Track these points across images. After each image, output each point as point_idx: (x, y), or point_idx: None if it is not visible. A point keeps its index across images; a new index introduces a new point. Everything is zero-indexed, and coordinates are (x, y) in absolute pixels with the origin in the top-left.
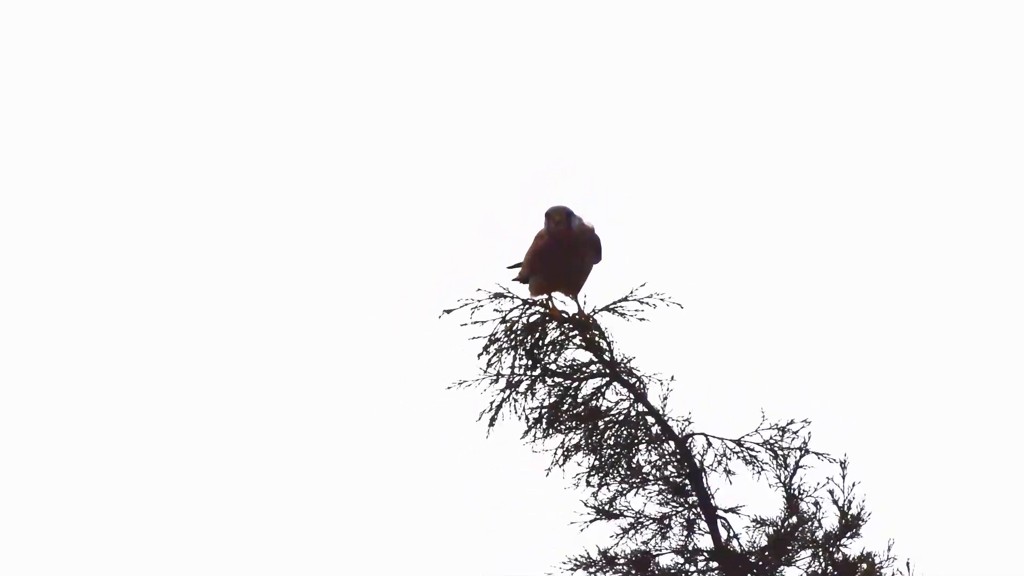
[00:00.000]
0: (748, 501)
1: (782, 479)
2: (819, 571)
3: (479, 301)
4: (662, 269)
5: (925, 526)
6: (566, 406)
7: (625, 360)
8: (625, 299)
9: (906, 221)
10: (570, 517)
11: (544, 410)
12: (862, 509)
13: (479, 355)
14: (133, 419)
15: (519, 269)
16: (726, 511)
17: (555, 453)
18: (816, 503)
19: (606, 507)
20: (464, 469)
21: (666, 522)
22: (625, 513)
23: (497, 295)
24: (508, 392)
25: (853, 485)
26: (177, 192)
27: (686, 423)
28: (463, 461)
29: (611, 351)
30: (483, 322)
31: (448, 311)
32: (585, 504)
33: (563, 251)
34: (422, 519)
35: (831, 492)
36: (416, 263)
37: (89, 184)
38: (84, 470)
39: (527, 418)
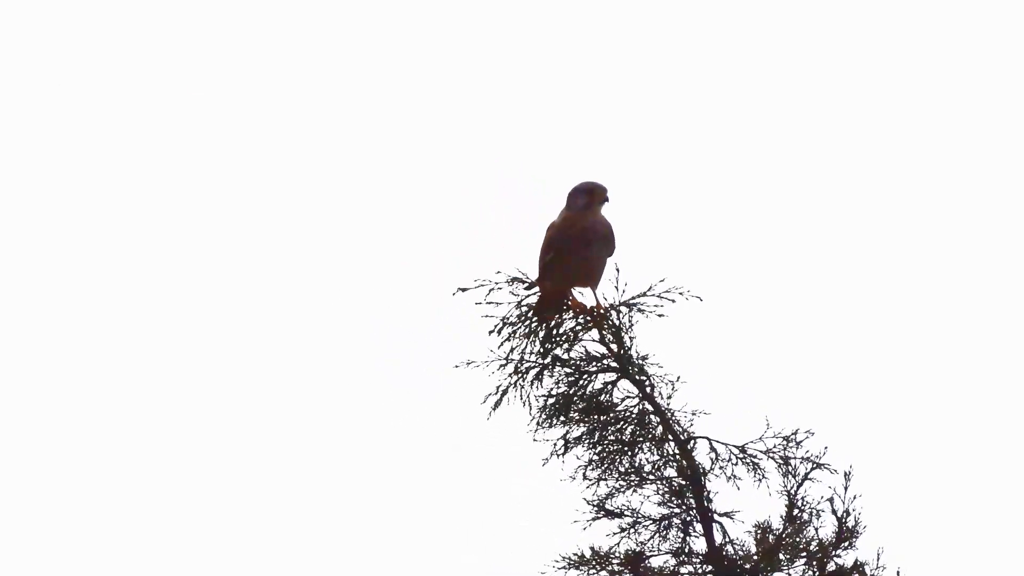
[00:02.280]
0: (752, 508)
1: (788, 488)
2: None
3: (496, 283)
4: (676, 267)
5: (919, 539)
6: (574, 398)
7: (638, 357)
8: (644, 294)
9: (916, 231)
10: (569, 512)
11: (552, 399)
12: (858, 521)
13: (490, 332)
14: (128, 419)
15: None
16: (722, 515)
17: (555, 444)
18: (816, 513)
19: (606, 504)
20: (464, 454)
21: (665, 523)
22: (626, 513)
23: (515, 279)
24: (516, 378)
25: (855, 497)
26: (160, 191)
27: (691, 424)
28: (464, 445)
29: (627, 347)
30: (498, 304)
31: (463, 289)
32: (588, 502)
33: (600, 237)
34: (419, 505)
35: (831, 502)
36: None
37: (89, 184)
38: (83, 470)
39: (530, 405)
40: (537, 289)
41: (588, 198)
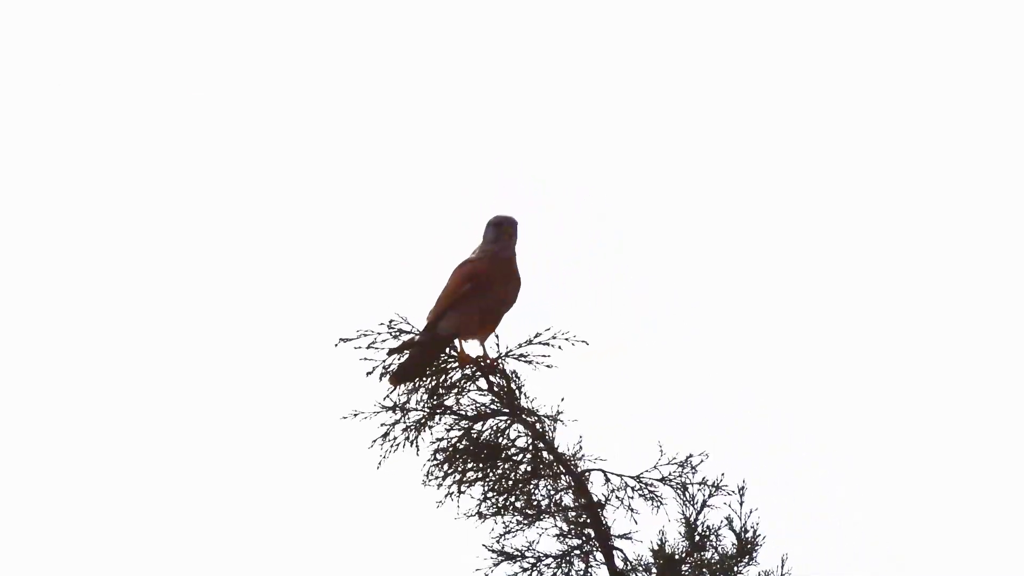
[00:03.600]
0: (651, 533)
1: (687, 516)
2: None
3: (378, 334)
4: (573, 298)
5: (819, 550)
6: (464, 444)
7: (527, 401)
8: (529, 342)
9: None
10: (469, 556)
11: (443, 451)
12: (756, 533)
13: (368, 374)
14: (128, 419)
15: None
16: (619, 537)
17: (449, 487)
18: (715, 532)
19: (506, 548)
20: (357, 502)
21: (566, 559)
22: (526, 554)
23: (400, 330)
24: (406, 429)
25: (751, 512)
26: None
27: (583, 459)
28: (356, 495)
29: (516, 396)
30: (379, 348)
31: (344, 340)
32: (488, 549)
33: (502, 278)
34: (319, 559)
35: (728, 519)
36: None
37: (89, 184)
38: (83, 470)
39: (418, 449)
40: (415, 340)
41: (509, 232)
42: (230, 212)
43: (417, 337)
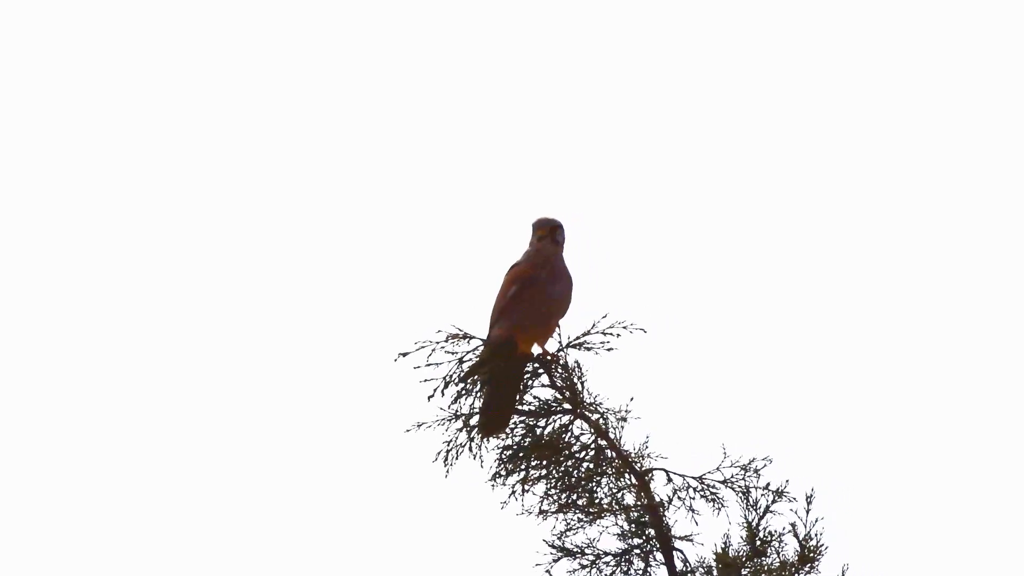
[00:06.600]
0: (712, 537)
1: (749, 520)
2: None
3: (436, 343)
4: (634, 294)
5: (886, 556)
6: (528, 443)
7: (591, 396)
8: (588, 333)
9: (875, 251)
10: (531, 556)
11: (508, 451)
12: (820, 542)
13: (429, 398)
14: (128, 419)
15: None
16: (681, 539)
17: (513, 487)
18: (778, 537)
19: (567, 545)
20: (423, 510)
21: (626, 557)
22: (587, 551)
23: (453, 336)
24: (468, 432)
25: (816, 520)
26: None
27: (647, 458)
28: (421, 503)
29: (579, 389)
30: (438, 364)
31: (404, 354)
32: (549, 545)
33: (548, 276)
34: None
35: (793, 525)
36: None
37: (89, 184)
38: (83, 470)
39: (480, 458)
40: (480, 344)
41: (541, 234)
42: (241, 215)
43: (480, 348)
